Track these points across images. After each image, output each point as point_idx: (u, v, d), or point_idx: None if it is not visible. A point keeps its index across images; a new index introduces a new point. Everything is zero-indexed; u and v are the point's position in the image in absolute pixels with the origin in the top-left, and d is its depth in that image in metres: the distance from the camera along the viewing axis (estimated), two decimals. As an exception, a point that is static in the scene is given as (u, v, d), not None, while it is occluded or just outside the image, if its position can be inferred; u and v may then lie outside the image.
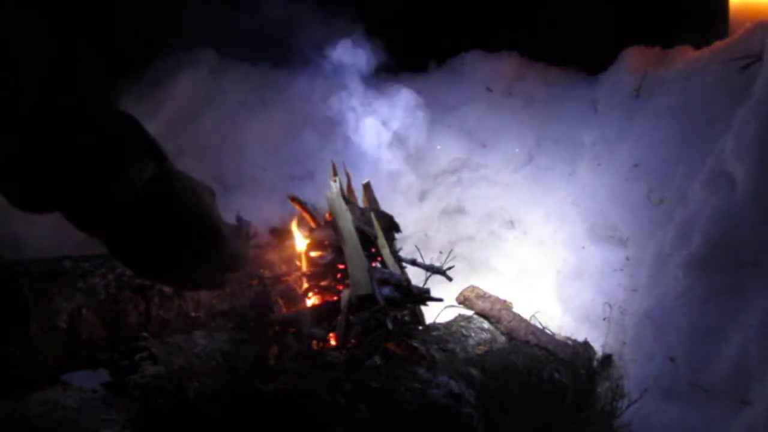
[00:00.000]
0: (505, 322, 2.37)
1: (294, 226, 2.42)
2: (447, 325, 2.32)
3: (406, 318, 2.34)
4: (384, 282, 2.16)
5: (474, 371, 1.98)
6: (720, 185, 2.29)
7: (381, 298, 2.07)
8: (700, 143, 2.52)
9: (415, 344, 2.06)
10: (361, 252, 2.18)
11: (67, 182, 0.83)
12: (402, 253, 2.53)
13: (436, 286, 2.45)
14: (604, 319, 2.61)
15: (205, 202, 0.99)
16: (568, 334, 2.48)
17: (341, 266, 2.23)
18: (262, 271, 2.24)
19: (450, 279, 2.48)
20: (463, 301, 2.48)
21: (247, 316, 2.03)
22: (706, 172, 2.37)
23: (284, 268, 2.33)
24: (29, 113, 0.77)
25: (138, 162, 0.88)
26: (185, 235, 0.96)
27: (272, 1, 2.88)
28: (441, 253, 2.66)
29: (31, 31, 0.77)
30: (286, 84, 3.17)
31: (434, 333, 2.23)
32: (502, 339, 2.34)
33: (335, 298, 2.17)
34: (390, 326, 2.02)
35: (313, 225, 2.39)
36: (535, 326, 2.39)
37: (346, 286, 2.14)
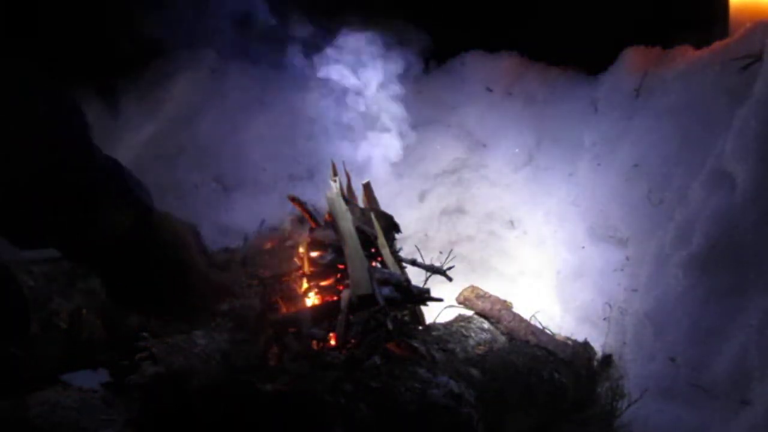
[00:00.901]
0: (505, 322, 2.37)
1: (294, 227, 2.42)
2: (447, 325, 2.32)
3: (406, 318, 2.34)
4: (384, 282, 2.16)
5: (474, 371, 1.98)
6: (720, 185, 2.28)
7: (381, 298, 2.07)
8: (700, 143, 2.51)
9: (415, 344, 2.06)
10: (361, 252, 2.18)
11: (51, 228, 0.95)
12: (402, 253, 2.53)
13: (436, 286, 2.45)
14: (604, 319, 2.61)
15: (187, 245, 1.12)
16: (568, 334, 2.48)
17: (341, 266, 2.23)
18: (262, 271, 2.24)
19: (450, 279, 2.48)
20: (463, 301, 2.48)
21: (247, 316, 2.03)
22: (706, 172, 2.37)
23: (284, 268, 2.33)
24: (19, 164, 0.83)
25: (113, 213, 0.98)
26: (166, 274, 1.08)
27: (273, 1, 2.88)
28: (441, 253, 2.66)
29: (24, 83, 0.82)
30: (286, 84, 3.17)
31: (434, 333, 2.23)
32: (502, 339, 2.34)
33: (335, 298, 2.17)
34: (390, 326, 2.02)
35: (313, 225, 2.39)
36: (535, 326, 2.39)
37: (346, 286, 2.14)
